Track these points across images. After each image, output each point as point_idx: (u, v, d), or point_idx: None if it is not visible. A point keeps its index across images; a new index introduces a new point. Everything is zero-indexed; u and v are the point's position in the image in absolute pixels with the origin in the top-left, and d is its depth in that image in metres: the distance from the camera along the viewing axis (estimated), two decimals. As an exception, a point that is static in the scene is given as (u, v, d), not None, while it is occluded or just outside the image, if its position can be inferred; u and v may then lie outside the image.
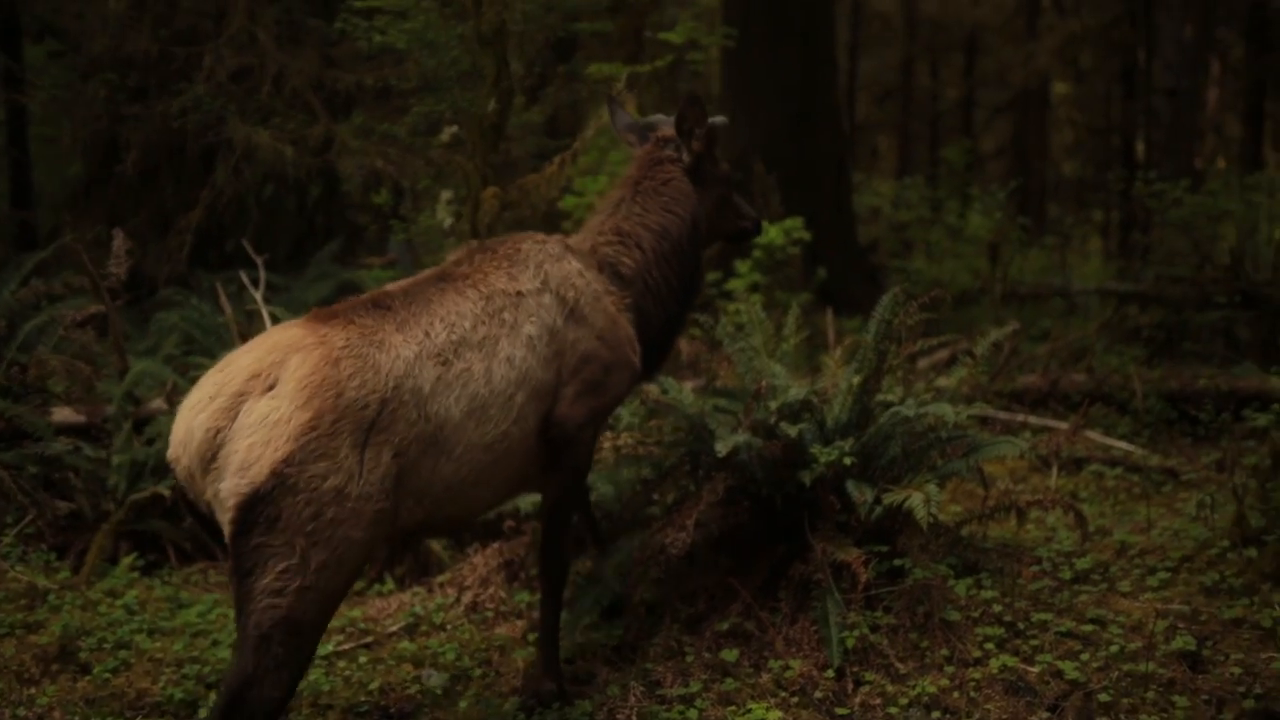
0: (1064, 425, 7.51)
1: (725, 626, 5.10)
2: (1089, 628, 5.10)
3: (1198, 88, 24.42)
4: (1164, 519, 6.28)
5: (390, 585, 5.66)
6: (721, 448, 4.95)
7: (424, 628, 5.40)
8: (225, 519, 3.88)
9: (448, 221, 6.83)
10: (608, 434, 5.97)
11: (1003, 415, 7.71)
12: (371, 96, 7.88)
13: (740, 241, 5.55)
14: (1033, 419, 7.73)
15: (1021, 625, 5.12)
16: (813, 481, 5.14)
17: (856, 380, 5.36)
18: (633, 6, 8.40)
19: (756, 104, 10.65)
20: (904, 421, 5.33)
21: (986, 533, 5.86)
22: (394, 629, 5.37)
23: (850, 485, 5.17)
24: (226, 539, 3.89)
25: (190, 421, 3.95)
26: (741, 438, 5.03)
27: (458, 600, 5.44)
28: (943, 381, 5.65)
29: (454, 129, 7.04)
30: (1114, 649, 4.94)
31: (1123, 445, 7.45)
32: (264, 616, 3.85)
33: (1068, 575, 5.54)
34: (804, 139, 10.33)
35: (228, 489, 3.85)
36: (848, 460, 5.03)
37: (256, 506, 3.83)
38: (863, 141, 26.55)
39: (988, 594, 5.27)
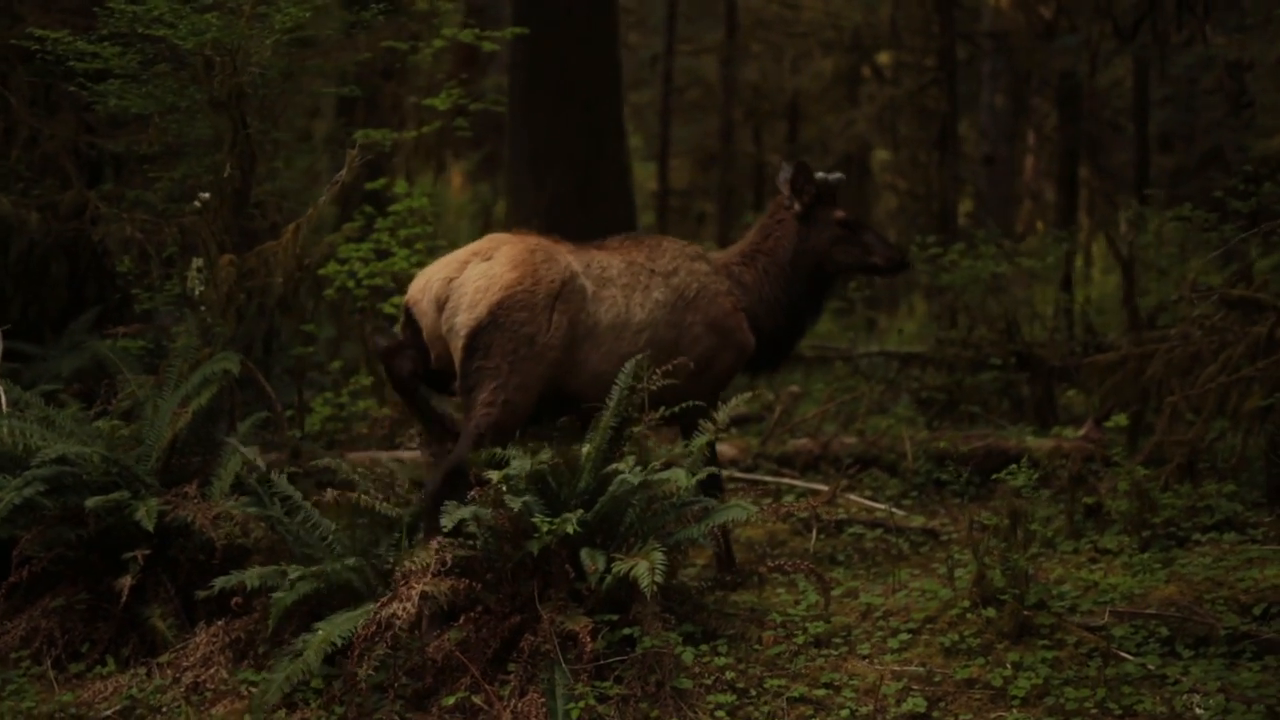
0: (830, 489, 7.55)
1: (452, 702, 4.98)
2: (822, 692, 5.09)
3: (1013, 155, 25.06)
4: (916, 580, 6.31)
5: (111, 666, 5.43)
6: (447, 521, 4.90)
7: (140, 711, 5.15)
8: (459, 345, 5.59)
9: (198, 289, 6.66)
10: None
11: (769, 478, 7.72)
12: (133, 163, 7.67)
13: (878, 274, 6.73)
14: (799, 482, 7.75)
15: (754, 691, 5.10)
16: (541, 551, 5.09)
17: (587, 449, 5.32)
18: (398, 73, 8.33)
19: (543, 171, 10.63)
20: (641, 488, 5.29)
21: (730, 598, 5.84)
22: (108, 713, 5.14)
23: (584, 554, 5.11)
24: (457, 364, 5.62)
25: (430, 275, 5.74)
26: (468, 509, 4.96)
27: (177, 681, 5.24)
28: (679, 448, 5.63)
29: (207, 195, 6.88)
30: (844, 713, 4.94)
31: (883, 507, 7.50)
32: (481, 421, 5.50)
33: (807, 639, 5.52)
34: (592, 206, 10.35)
35: (462, 321, 5.57)
36: (571, 529, 4.96)
37: (479, 335, 5.54)
38: (685, 208, 26.75)
39: (722, 660, 5.24)
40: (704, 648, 5.33)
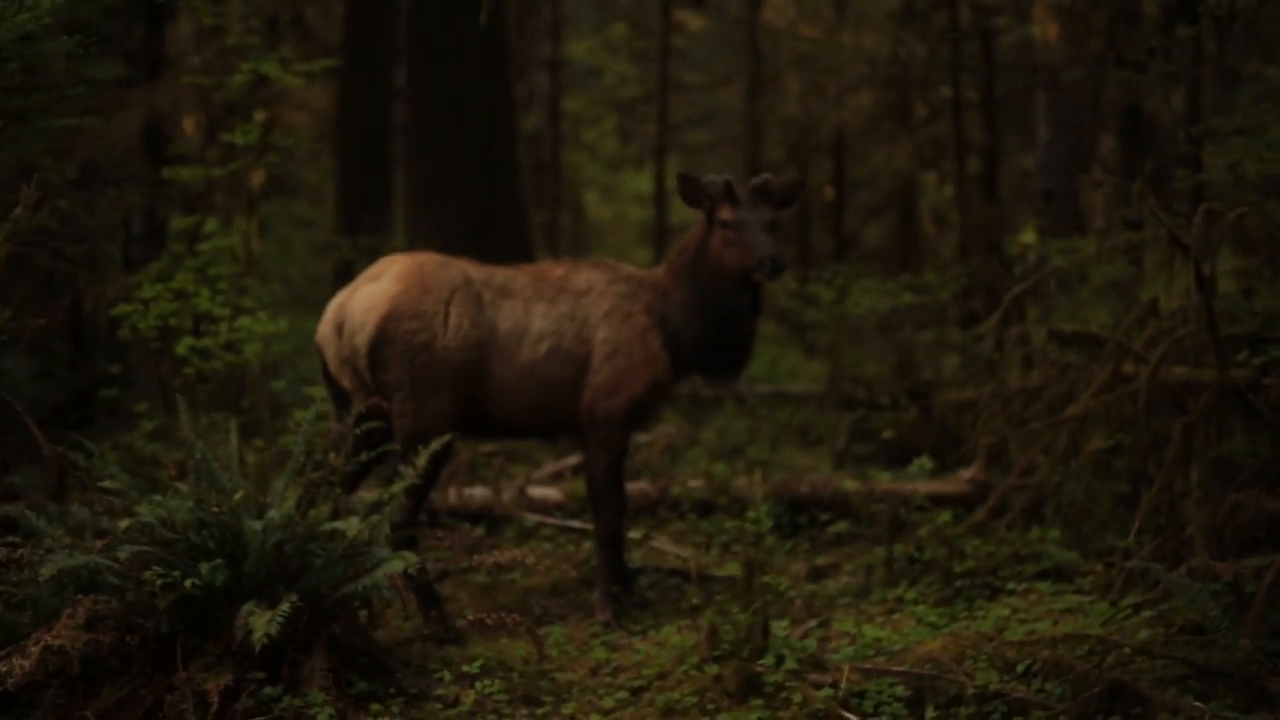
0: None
1: (86, 767, 4.72)
2: (497, 756, 4.75)
3: (1073, 189, 24.31)
4: (682, 634, 5.90)
5: None
6: (47, 571, 4.61)
7: None
8: (364, 366, 5.97)
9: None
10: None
11: (588, 525, 7.29)
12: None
13: (758, 276, 6.10)
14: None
15: (417, 755, 4.78)
16: (188, 604, 4.82)
17: (239, 495, 5.02)
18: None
19: (437, 208, 10.41)
20: (325, 538, 5.04)
21: (437, 653, 5.51)
22: None
23: (245, 608, 4.82)
24: (368, 380, 5.99)
25: (328, 307, 6.13)
26: (80, 558, 4.69)
27: None
28: (368, 495, 5.34)
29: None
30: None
31: (683, 553, 7.11)
32: (401, 431, 5.93)
33: (510, 697, 5.17)
34: (486, 244, 10.06)
35: (359, 342, 5.96)
36: (189, 583, 4.68)
37: (374, 352, 5.94)
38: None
39: (391, 722, 4.92)
40: (375, 707, 4.99)
